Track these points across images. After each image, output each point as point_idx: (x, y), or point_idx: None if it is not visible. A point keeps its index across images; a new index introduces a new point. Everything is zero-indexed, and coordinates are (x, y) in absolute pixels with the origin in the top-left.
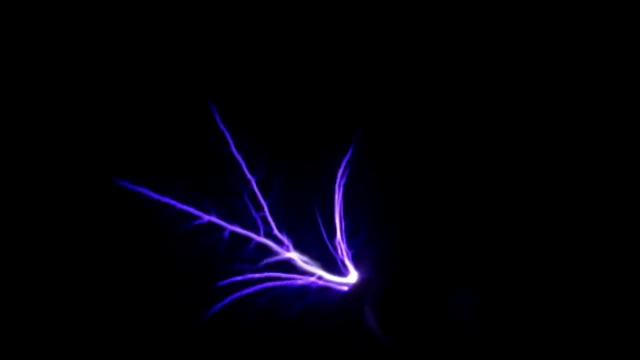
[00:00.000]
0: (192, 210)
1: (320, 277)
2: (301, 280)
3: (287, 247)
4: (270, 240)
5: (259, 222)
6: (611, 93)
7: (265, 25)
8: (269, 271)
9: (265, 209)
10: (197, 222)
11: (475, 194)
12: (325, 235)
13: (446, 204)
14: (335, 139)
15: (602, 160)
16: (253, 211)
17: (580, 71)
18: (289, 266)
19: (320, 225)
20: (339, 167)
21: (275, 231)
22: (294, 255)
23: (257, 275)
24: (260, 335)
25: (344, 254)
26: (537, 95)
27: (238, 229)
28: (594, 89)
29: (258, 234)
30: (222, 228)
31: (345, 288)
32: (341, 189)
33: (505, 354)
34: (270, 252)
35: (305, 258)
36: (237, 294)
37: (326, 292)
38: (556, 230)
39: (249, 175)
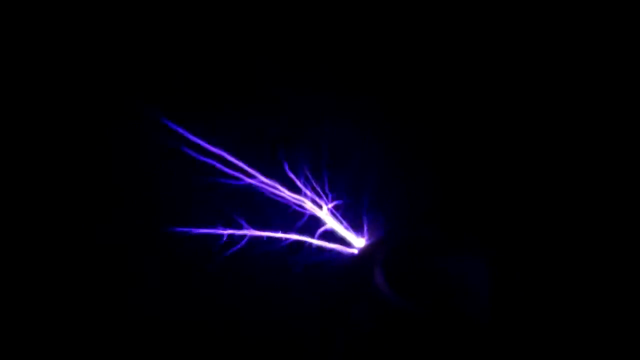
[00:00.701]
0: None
1: (329, 236)
2: (311, 239)
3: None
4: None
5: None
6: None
7: None
8: (278, 228)
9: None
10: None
11: (497, 155)
12: (337, 196)
13: (461, 166)
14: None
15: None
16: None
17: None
18: (300, 225)
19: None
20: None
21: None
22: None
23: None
24: (267, 296)
25: (355, 215)
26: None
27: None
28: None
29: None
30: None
31: (355, 250)
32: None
33: (518, 322)
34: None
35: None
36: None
37: (335, 253)
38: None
39: None
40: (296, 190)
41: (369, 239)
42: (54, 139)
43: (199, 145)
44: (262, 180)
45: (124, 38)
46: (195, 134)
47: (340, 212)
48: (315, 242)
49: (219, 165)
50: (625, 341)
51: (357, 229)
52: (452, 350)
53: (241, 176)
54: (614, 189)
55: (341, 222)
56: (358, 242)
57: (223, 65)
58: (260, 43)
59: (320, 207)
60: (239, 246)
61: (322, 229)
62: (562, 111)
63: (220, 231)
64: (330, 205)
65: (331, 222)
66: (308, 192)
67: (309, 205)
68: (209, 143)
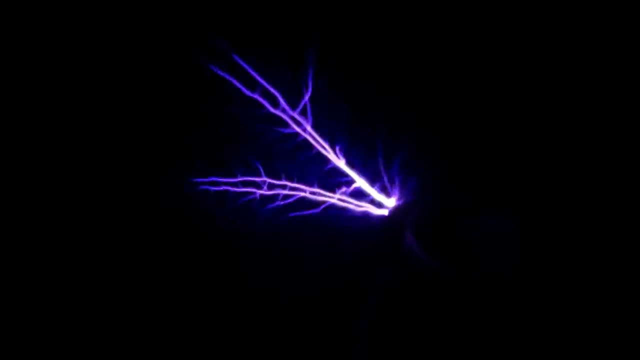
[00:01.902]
0: None
1: (360, 197)
2: (342, 198)
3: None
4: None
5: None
6: None
7: None
8: (307, 186)
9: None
10: None
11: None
12: (368, 158)
13: (489, 126)
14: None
15: None
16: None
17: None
18: (329, 184)
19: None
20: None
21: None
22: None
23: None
24: (298, 256)
25: (386, 177)
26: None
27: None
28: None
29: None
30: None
31: (386, 211)
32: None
33: (547, 278)
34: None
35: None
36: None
37: (366, 213)
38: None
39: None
40: (330, 149)
41: (399, 199)
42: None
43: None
44: (301, 135)
45: None
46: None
47: (371, 173)
48: (346, 201)
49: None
50: None
51: (387, 190)
52: (483, 308)
53: (280, 129)
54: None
55: (372, 183)
56: (388, 203)
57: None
58: None
59: (353, 167)
60: (269, 202)
61: (353, 189)
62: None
63: (250, 180)
64: (362, 167)
65: (362, 183)
66: (340, 154)
67: (341, 165)
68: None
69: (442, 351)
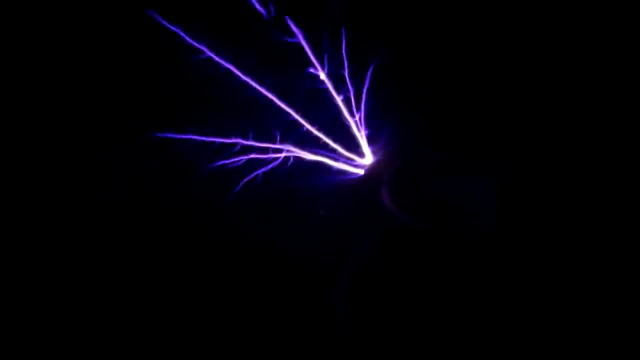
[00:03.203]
0: None
1: (335, 157)
2: (316, 158)
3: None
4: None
5: None
6: None
7: None
8: (283, 144)
9: None
10: None
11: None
12: (342, 115)
13: (469, 85)
14: None
15: None
16: None
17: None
18: (304, 142)
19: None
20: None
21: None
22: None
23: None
24: (274, 217)
25: (361, 135)
26: None
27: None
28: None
29: None
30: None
31: (362, 170)
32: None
33: (523, 238)
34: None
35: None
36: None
37: (341, 172)
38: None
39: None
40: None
41: (374, 158)
42: None
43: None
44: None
45: None
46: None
47: (346, 131)
48: (321, 160)
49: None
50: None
51: (364, 148)
52: (459, 266)
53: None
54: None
55: (349, 142)
56: (365, 161)
57: None
58: None
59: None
60: (242, 161)
61: (329, 147)
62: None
63: (221, 141)
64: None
65: (337, 142)
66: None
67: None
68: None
69: (419, 308)
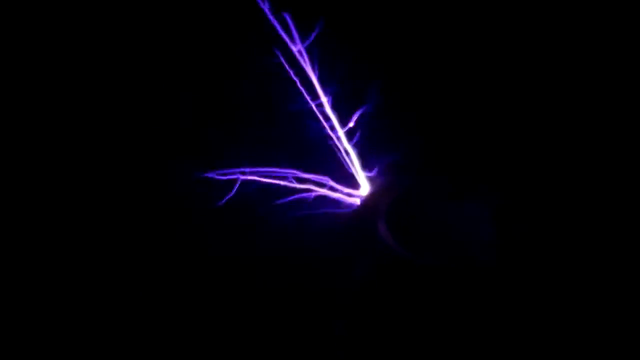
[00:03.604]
0: None
1: (331, 189)
2: (312, 192)
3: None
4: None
5: None
6: None
7: None
8: (279, 180)
9: None
10: None
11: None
12: (336, 148)
13: (465, 113)
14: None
15: None
16: None
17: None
18: (299, 178)
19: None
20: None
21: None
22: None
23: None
24: (272, 247)
25: (356, 166)
26: None
27: None
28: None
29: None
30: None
31: (358, 200)
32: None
33: (525, 276)
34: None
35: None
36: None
37: (338, 205)
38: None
39: None
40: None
41: (371, 188)
42: None
43: None
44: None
45: None
46: None
47: (342, 162)
48: (317, 191)
49: None
50: (625, 292)
51: (361, 178)
52: (458, 297)
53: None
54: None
55: (346, 171)
56: (361, 192)
57: None
58: None
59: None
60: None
61: (324, 179)
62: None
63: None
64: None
65: (332, 172)
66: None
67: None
68: None
69: (417, 339)
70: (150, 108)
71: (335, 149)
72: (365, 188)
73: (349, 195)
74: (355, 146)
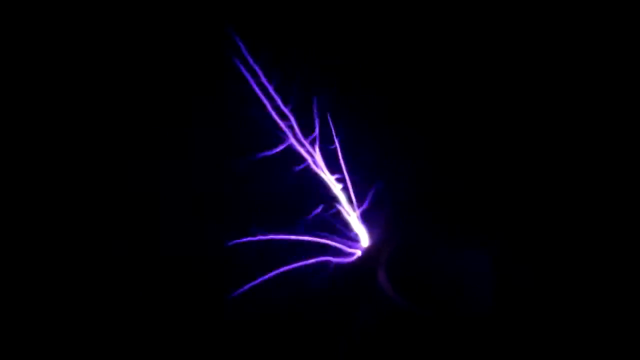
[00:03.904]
0: None
1: (333, 237)
2: (315, 239)
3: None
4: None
5: None
6: None
7: None
8: (275, 234)
9: None
10: None
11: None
12: (334, 200)
13: (462, 163)
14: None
15: None
16: None
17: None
18: (298, 230)
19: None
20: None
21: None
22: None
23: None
24: (271, 302)
25: (355, 218)
26: None
27: None
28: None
29: None
30: None
31: (359, 251)
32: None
33: (524, 324)
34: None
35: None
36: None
37: (337, 256)
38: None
39: None
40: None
41: (372, 239)
42: None
43: None
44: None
45: None
46: None
47: (344, 213)
48: (319, 241)
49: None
50: (626, 337)
51: (360, 229)
52: (456, 347)
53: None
54: (615, 185)
55: (345, 223)
56: (362, 243)
57: None
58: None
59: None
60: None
61: (327, 230)
62: (561, 108)
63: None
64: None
65: (335, 223)
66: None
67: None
68: None
69: None
70: None
71: (335, 199)
72: (365, 238)
73: (349, 245)
74: (355, 197)
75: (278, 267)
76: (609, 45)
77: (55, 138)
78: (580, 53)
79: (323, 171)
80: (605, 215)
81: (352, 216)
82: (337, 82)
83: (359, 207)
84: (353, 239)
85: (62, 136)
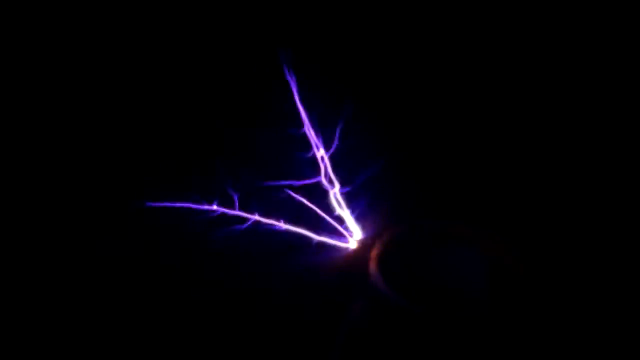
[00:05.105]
0: None
1: (325, 231)
2: (307, 233)
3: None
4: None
5: None
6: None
7: None
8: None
9: None
10: None
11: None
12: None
13: (458, 158)
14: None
15: None
16: None
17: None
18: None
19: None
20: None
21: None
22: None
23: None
24: (262, 292)
25: (347, 212)
26: None
27: None
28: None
29: None
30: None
31: (352, 245)
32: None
33: (517, 322)
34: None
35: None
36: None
37: (329, 252)
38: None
39: None
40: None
41: (364, 233)
42: None
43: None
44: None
45: None
46: None
47: (337, 207)
48: (311, 236)
49: None
50: (627, 337)
51: (353, 223)
52: (451, 345)
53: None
54: (614, 185)
55: (337, 217)
56: (354, 237)
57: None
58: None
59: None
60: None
61: (318, 223)
62: (562, 108)
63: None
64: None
65: (327, 217)
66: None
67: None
68: None
69: None
70: None
71: (327, 193)
72: (358, 233)
73: (342, 240)
74: (348, 191)
75: (270, 263)
76: (609, 45)
77: (56, 138)
78: (580, 53)
79: (319, 164)
80: (606, 215)
81: (345, 211)
82: (336, 82)
83: (352, 201)
84: (346, 234)
85: (62, 136)
